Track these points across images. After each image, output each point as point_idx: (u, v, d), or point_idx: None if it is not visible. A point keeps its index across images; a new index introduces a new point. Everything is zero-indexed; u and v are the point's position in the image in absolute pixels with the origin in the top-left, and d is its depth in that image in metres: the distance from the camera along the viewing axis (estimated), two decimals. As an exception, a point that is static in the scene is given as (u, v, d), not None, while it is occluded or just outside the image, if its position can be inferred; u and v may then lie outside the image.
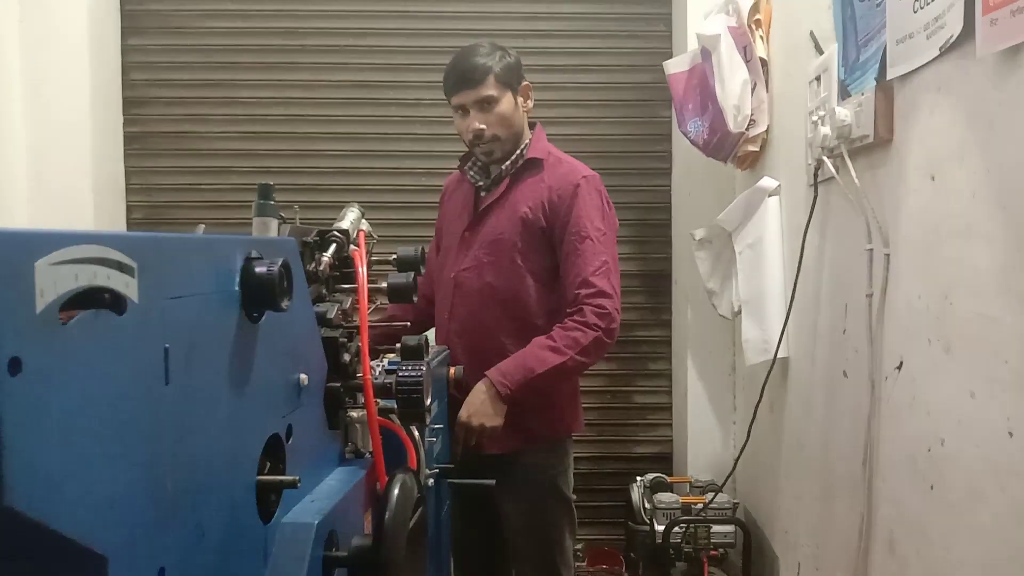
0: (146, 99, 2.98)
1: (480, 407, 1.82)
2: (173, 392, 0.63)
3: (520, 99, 1.97)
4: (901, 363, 1.38)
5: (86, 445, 0.52)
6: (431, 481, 1.51)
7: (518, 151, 1.97)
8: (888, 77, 1.38)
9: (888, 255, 1.43)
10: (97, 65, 2.78)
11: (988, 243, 1.10)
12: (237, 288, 0.76)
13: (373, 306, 1.22)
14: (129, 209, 2.99)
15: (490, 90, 1.90)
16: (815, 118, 1.72)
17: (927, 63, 1.24)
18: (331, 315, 1.07)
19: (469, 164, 2.04)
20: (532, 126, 2.04)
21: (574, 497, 2.05)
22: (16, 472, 0.45)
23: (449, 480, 1.64)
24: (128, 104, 2.97)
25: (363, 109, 2.99)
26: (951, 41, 1.14)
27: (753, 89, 2.28)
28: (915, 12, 1.25)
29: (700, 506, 2.42)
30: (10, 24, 2.62)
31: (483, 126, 1.91)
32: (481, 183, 2.02)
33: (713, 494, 2.39)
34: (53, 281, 0.48)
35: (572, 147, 2.81)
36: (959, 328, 1.19)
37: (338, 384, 1.06)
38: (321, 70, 2.99)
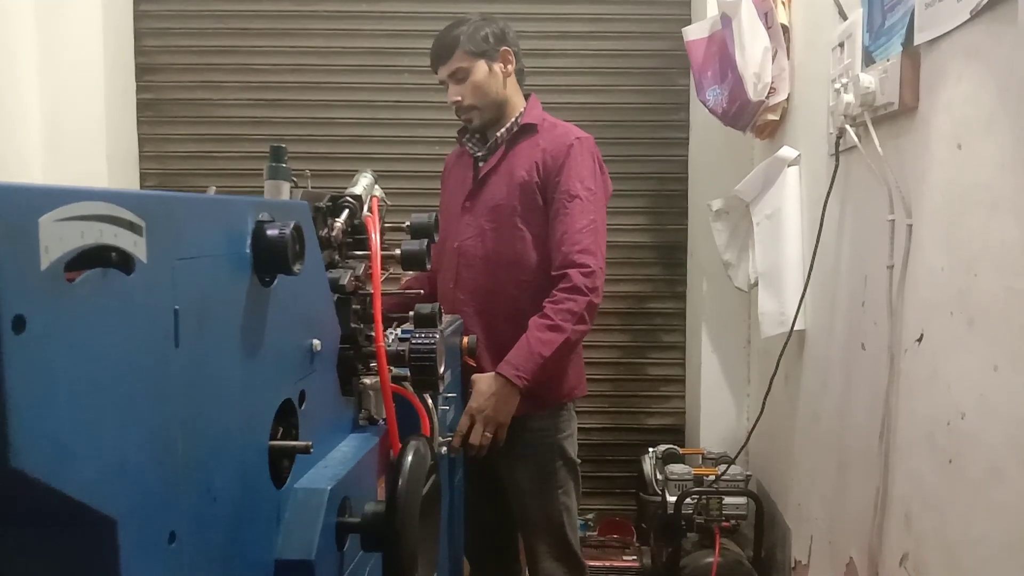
0: (159, 66, 2.96)
1: (493, 401, 1.81)
2: (183, 355, 0.62)
3: (499, 65, 1.99)
4: (921, 336, 1.36)
5: (94, 406, 0.51)
6: (444, 449, 1.51)
7: (513, 119, 2.01)
8: (915, 42, 1.34)
9: (910, 226, 1.40)
10: (110, 32, 2.76)
11: (1016, 215, 1.07)
12: (248, 251, 0.75)
13: (386, 274, 1.21)
14: (143, 176, 2.98)
15: (459, 63, 1.96)
16: (838, 86, 1.68)
17: (957, 28, 1.21)
18: (344, 281, 1.06)
19: (467, 136, 2.09)
20: (527, 96, 2.07)
21: (578, 461, 2.07)
22: (22, 433, 0.44)
23: None
24: (141, 71, 2.96)
25: (376, 76, 2.96)
26: (984, 3, 1.10)
27: (774, 56, 2.24)
28: (946, -26, 1.21)
29: (712, 478, 2.42)
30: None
31: (458, 97, 1.98)
32: (479, 153, 2.06)
33: (726, 466, 2.38)
34: (58, 238, 0.47)
35: (587, 115, 2.79)
36: (983, 301, 1.16)
37: (351, 351, 1.05)
38: (334, 36, 2.96)
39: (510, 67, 2.01)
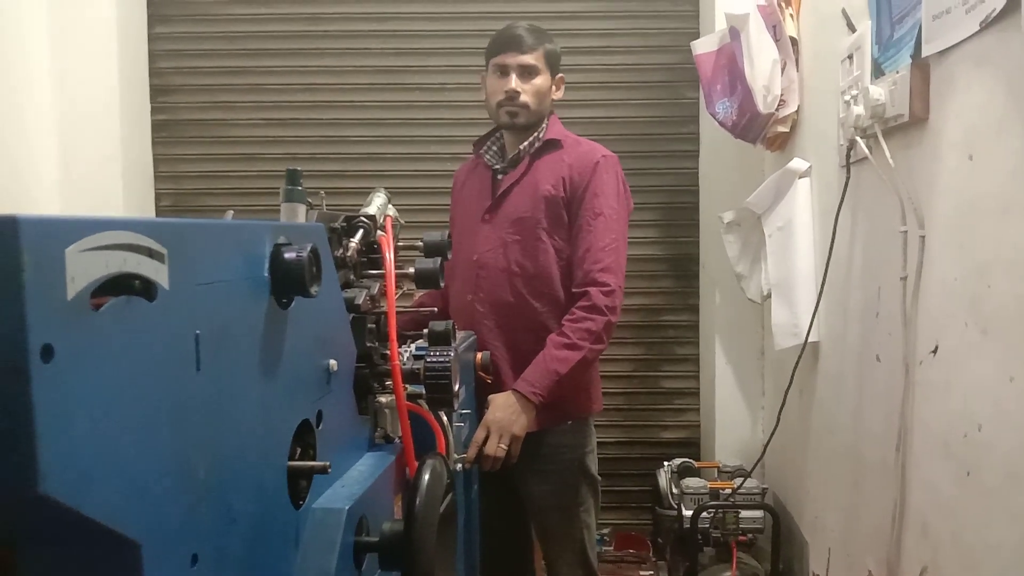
0: (173, 87, 3.00)
1: (508, 413, 1.82)
2: (204, 378, 0.63)
3: (554, 87, 2.04)
4: (936, 347, 1.36)
5: (119, 431, 0.52)
6: (459, 466, 1.51)
7: (536, 134, 2.02)
8: (924, 54, 1.35)
9: (923, 236, 1.40)
10: (124, 54, 2.80)
11: (1029, 223, 1.07)
12: (266, 274, 0.76)
13: (400, 292, 1.22)
14: (157, 196, 3.01)
15: (537, 60, 1.98)
16: (847, 97, 1.69)
17: (966, 39, 1.21)
18: (359, 301, 1.07)
19: (485, 148, 2.09)
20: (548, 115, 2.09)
21: (599, 477, 2.06)
22: (49, 459, 0.45)
23: None
24: (155, 92, 2.99)
25: (388, 94, 2.99)
26: (993, 16, 1.10)
27: (783, 69, 2.24)
28: (953, -14, 1.21)
29: (728, 491, 2.40)
30: (39, 14, 2.64)
31: (519, 89, 1.97)
32: (498, 166, 2.06)
33: (742, 479, 2.37)
34: (84, 268, 0.48)
35: (598, 129, 2.80)
36: (998, 310, 1.16)
37: (367, 370, 1.06)
38: (346, 55, 2.99)
39: (559, 94, 2.06)
